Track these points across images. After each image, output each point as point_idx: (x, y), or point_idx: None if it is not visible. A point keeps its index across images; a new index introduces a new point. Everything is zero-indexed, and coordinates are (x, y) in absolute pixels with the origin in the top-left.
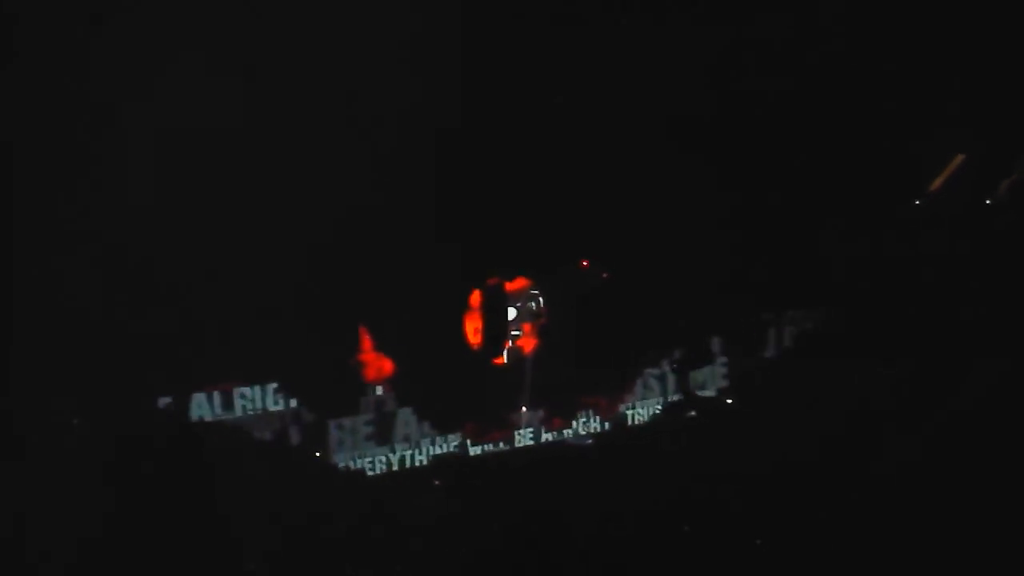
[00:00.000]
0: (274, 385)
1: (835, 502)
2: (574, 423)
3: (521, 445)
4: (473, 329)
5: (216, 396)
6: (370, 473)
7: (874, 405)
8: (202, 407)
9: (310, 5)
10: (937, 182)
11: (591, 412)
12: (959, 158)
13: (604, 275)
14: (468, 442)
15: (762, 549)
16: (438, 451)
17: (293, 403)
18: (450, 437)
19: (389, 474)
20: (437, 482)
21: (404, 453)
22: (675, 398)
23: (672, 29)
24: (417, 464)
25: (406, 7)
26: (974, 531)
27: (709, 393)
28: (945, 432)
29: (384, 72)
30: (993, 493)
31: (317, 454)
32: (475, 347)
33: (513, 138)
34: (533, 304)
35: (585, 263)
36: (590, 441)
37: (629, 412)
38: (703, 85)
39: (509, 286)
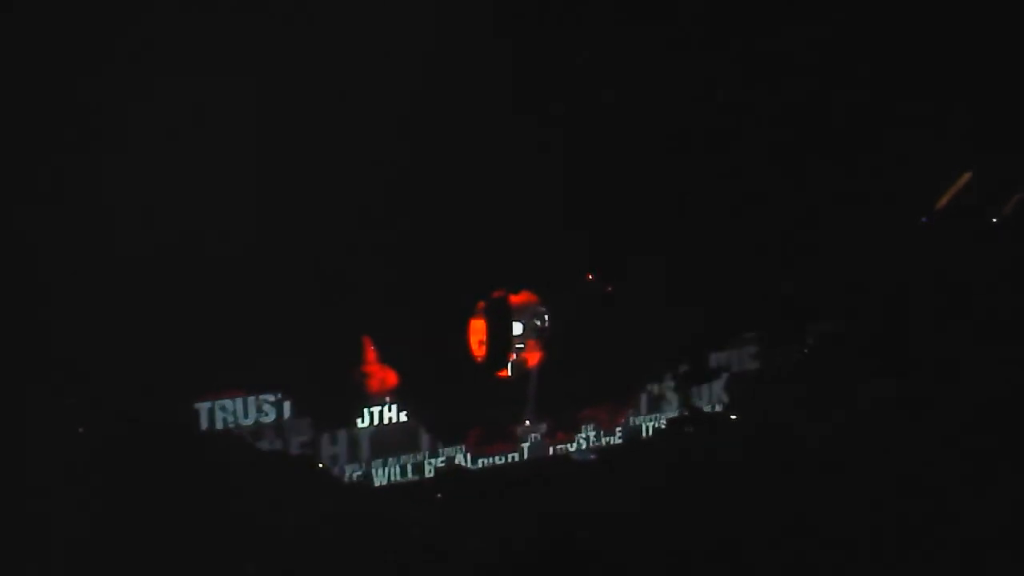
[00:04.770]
0: (279, 395)
1: (839, 513)
2: (577, 437)
3: (524, 458)
4: (477, 342)
5: (221, 404)
6: (373, 484)
7: (878, 417)
8: (206, 415)
9: (324, 15)
10: (944, 199)
11: (594, 426)
12: (966, 176)
13: (608, 289)
14: (471, 454)
15: (766, 559)
16: (440, 463)
17: (297, 413)
18: (453, 449)
19: (391, 485)
20: (439, 494)
21: (407, 464)
22: (678, 413)
23: (682, 42)
24: (421, 476)
25: (419, 20)
26: (980, 538)
27: (712, 408)
28: (949, 442)
29: (394, 84)
30: (999, 502)
31: (320, 464)
32: (479, 360)
33: (520, 153)
34: (538, 320)
35: (590, 276)
36: (593, 456)
37: (632, 426)
38: (711, 102)
39: (514, 299)
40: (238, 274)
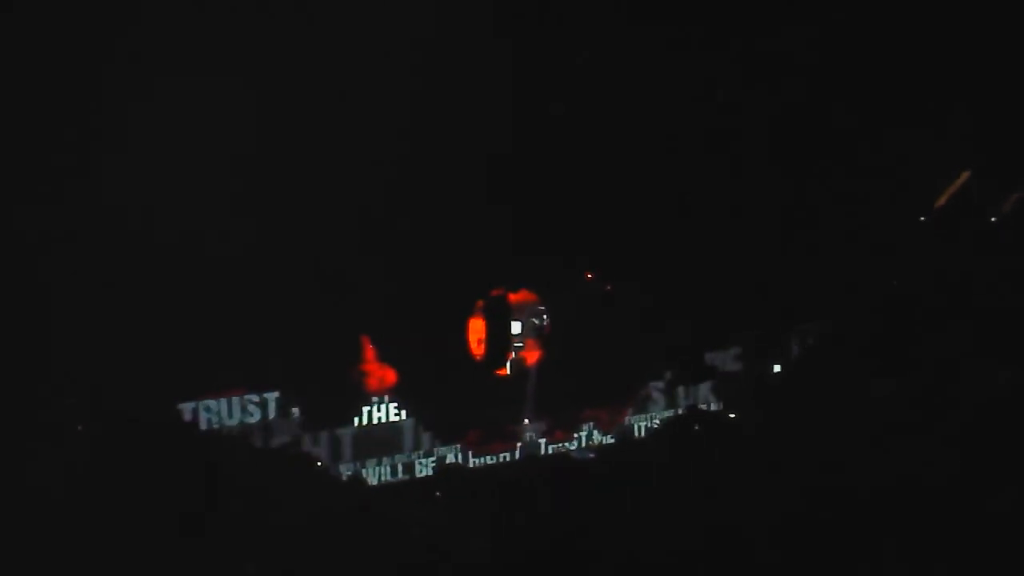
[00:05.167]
0: (277, 393)
1: (838, 513)
2: (576, 436)
3: (523, 457)
4: (476, 340)
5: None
6: (371, 482)
7: (877, 416)
8: (205, 413)
9: (324, 15)
10: (943, 198)
11: (593, 425)
12: (965, 175)
13: (608, 287)
14: (470, 453)
15: (765, 559)
16: (431, 463)
17: (296, 412)
18: (452, 447)
19: (390, 483)
20: (439, 492)
21: (398, 464)
22: (678, 411)
23: (682, 42)
24: (412, 476)
25: (419, 20)
26: (979, 536)
27: (708, 406)
28: (949, 442)
29: (394, 84)
30: (999, 502)
31: (319, 462)
32: (478, 358)
33: (520, 153)
34: (536, 319)
35: (589, 275)
36: (592, 454)
37: (632, 425)
38: (711, 102)
39: (513, 298)
40: (238, 274)
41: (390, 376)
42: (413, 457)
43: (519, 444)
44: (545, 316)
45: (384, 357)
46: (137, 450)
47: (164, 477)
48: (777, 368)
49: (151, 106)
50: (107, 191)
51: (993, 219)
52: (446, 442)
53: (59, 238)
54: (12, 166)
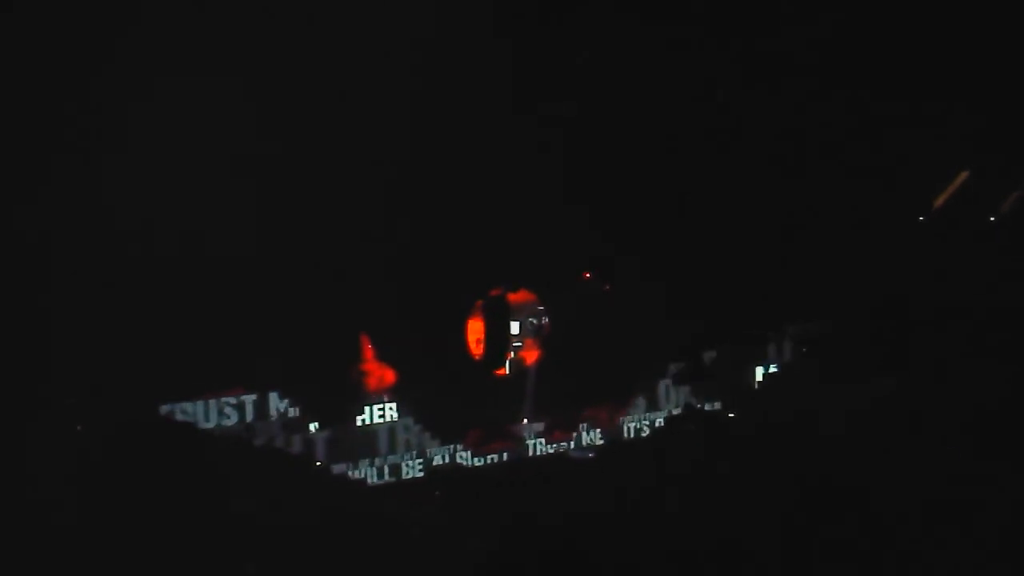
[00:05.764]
0: (275, 393)
1: (838, 512)
2: (575, 435)
3: (522, 456)
4: (475, 340)
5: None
6: (370, 482)
7: (875, 415)
8: (204, 413)
9: (324, 15)
10: (941, 198)
11: (592, 425)
12: (963, 175)
13: (606, 287)
14: (469, 453)
15: (763, 557)
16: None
17: (291, 412)
18: (451, 447)
19: (389, 483)
20: (437, 492)
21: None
22: (676, 411)
23: (682, 42)
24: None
25: (419, 20)
26: (980, 538)
27: (710, 406)
28: (949, 442)
29: (394, 84)
30: (999, 502)
31: (318, 462)
32: (477, 357)
33: (520, 153)
34: (534, 319)
35: (587, 275)
36: (591, 454)
37: (630, 425)
38: (711, 102)
39: (512, 297)
40: (238, 274)
41: (389, 376)
42: (404, 458)
43: (518, 444)
44: (544, 316)
45: (383, 357)
46: (137, 450)
47: (164, 477)
48: (775, 368)
49: (151, 106)
50: (107, 191)
51: (992, 219)
52: (444, 442)
53: (59, 238)
54: (12, 166)
